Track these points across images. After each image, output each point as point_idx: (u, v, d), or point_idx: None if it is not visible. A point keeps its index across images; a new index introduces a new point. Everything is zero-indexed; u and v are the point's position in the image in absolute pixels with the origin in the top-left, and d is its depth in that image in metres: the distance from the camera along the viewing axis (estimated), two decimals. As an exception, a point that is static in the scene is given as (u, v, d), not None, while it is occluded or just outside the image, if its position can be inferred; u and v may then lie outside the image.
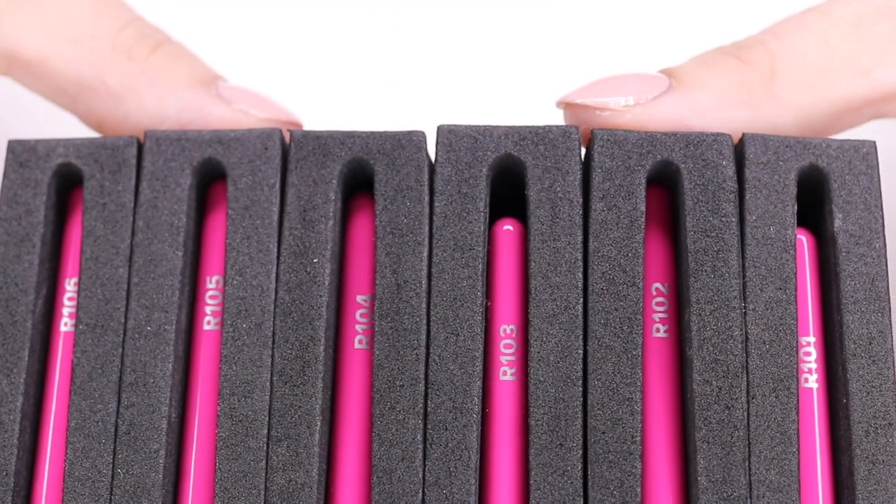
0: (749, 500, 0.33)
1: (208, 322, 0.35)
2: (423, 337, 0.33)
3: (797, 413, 0.33)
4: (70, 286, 0.35)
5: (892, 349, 0.34)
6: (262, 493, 0.33)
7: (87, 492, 0.33)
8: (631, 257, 0.33)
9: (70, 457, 0.33)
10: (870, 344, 0.33)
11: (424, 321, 0.33)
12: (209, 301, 0.35)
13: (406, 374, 0.33)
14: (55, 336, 0.35)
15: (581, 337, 0.33)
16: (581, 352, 0.33)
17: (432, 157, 0.34)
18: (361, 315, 0.35)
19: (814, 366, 0.34)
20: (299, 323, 0.34)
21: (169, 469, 0.33)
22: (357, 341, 0.34)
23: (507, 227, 0.35)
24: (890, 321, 0.34)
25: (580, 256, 0.33)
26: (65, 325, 0.35)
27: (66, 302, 0.35)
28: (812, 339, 0.34)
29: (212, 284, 0.35)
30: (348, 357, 0.34)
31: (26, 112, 0.44)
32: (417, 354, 0.33)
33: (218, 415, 0.33)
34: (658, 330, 0.34)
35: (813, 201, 0.35)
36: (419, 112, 0.46)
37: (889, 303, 0.34)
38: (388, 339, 0.33)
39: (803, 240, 0.34)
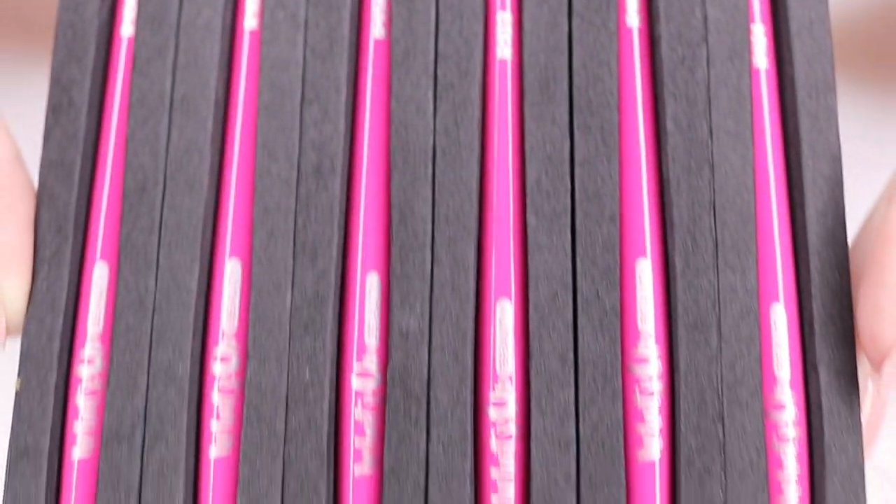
0: (710, 143, 0.38)
1: (251, 18, 0.41)
2: (433, 18, 0.39)
3: (750, 77, 0.39)
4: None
5: (829, 33, 0.40)
6: (298, 144, 0.39)
7: (148, 151, 0.39)
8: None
9: (132, 124, 0.39)
10: (811, 25, 0.40)
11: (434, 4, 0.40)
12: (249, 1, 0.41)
13: (418, 48, 0.39)
14: (116, 36, 0.41)
15: (566, 14, 0.39)
16: (566, 27, 0.39)
17: None
18: (382, 10, 0.41)
19: (763, 49, 0.40)
20: (328, 10, 0.40)
21: (217, 132, 0.39)
22: (376, 31, 0.40)
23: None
24: (828, 9, 0.40)
25: None
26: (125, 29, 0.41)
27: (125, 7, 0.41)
28: (762, 26, 0.40)
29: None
30: (367, 44, 0.40)
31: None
32: (428, 30, 0.39)
33: (259, 86, 0.39)
34: (631, 17, 0.40)
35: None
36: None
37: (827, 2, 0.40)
38: (404, 20, 0.39)
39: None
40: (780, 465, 0.37)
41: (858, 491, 0.36)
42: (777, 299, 0.38)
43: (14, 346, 0.39)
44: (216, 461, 0.38)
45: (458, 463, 0.37)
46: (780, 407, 0.37)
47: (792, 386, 0.37)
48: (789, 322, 0.38)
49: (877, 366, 0.36)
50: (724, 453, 0.37)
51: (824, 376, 0.37)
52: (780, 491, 0.37)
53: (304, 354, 0.38)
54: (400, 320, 0.38)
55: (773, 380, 0.38)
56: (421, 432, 0.37)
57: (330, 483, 0.37)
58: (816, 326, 0.38)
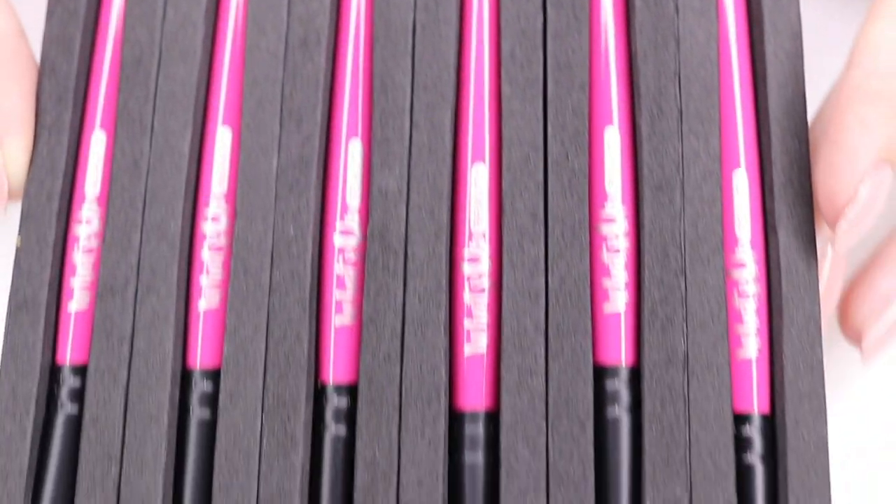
0: (676, 19, 0.40)
1: None
2: None
3: None
4: None
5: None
6: (286, 19, 0.41)
7: (144, 25, 0.41)
8: None
9: (130, 1, 0.41)
10: None
11: None
12: None
13: None
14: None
15: None
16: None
17: None
18: None
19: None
20: None
21: (211, 8, 0.41)
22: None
23: None
24: None
25: None
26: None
27: None
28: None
29: None
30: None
31: None
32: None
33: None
34: None
35: None
36: None
37: None
38: None
39: None
40: (740, 319, 0.39)
41: (815, 343, 0.38)
42: (738, 165, 0.40)
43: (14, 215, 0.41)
44: (205, 313, 0.40)
45: (433, 313, 0.39)
46: (741, 265, 0.39)
47: (752, 245, 0.39)
48: (751, 186, 0.40)
49: (832, 224, 0.38)
50: (685, 305, 0.39)
51: (783, 236, 0.39)
52: (739, 344, 0.39)
53: (289, 212, 0.40)
54: (380, 181, 0.40)
55: (735, 240, 0.39)
56: (398, 284, 0.39)
57: (312, 331, 0.39)
58: (776, 190, 0.39)
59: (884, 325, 0.41)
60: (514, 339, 0.38)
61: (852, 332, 0.41)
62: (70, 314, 0.40)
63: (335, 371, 0.39)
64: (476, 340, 0.39)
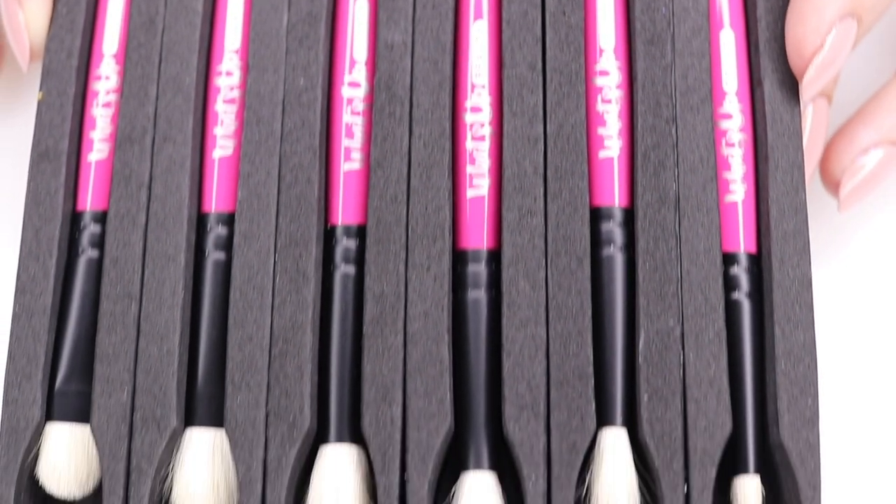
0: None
1: None
2: None
3: None
4: None
5: None
6: None
7: None
8: None
9: None
10: None
11: None
12: None
13: None
14: None
15: None
16: None
17: None
18: None
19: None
20: None
21: None
22: None
23: None
24: None
25: None
26: None
27: None
28: None
29: None
30: None
31: None
32: None
33: None
34: None
35: None
36: None
37: None
38: None
39: None
40: (727, 166, 0.41)
41: (798, 187, 0.40)
42: (723, 26, 0.42)
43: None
44: (219, 160, 0.42)
45: (437, 156, 0.41)
46: (728, 117, 0.42)
47: (739, 98, 0.42)
48: (737, 43, 0.42)
49: (799, 72, 0.40)
50: (676, 150, 0.41)
51: (768, 87, 0.41)
52: (727, 189, 0.41)
53: (300, 65, 0.42)
54: (386, 35, 0.42)
55: (722, 94, 0.42)
56: (404, 130, 0.41)
57: (322, 175, 0.41)
58: (761, 46, 0.42)
59: (861, 176, 0.43)
60: (515, 181, 0.40)
61: (831, 181, 0.43)
62: (90, 163, 0.42)
63: (344, 213, 0.41)
64: (478, 185, 0.41)
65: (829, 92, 0.43)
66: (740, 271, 0.40)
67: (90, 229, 0.41)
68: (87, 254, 0.41)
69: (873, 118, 0.43)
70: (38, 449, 0.40)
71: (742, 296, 0.40)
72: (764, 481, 0.39)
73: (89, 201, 0.41)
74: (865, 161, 0.43)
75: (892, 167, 0.43)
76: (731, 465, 0.39)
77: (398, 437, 0.39)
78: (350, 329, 0.40)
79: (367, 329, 0.39)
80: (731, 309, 0.40)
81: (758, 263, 0.41)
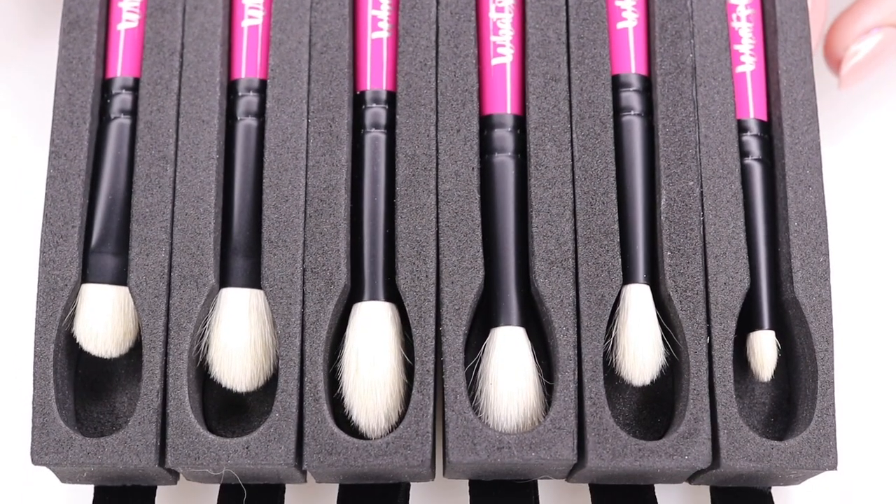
0: None
1: None
2: None
3: None
4: None
5: None
6: None
7: None
8: None
9: None
10: None
11: None
12: None
13: None
14: None
15: None
16: None
17: None
18: None
19: None
20: None
21: None
22: None
23: None
24: None
25: None
26: None
27: None
28: None
29: None
30: None
31: None
32: None
33: None
34: None
35: None
36: None
37: None
38: None
39: None
40: (738, 39, 0.43)
41: (807, 58, 0.42)
42: None
43: None
44: (249, 28, 0.42)
45: (463, 25, 0.42)
46: (738, -8, 0.43)
47: (748, -25, 0.44)
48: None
49: None
50: (692, 21, 0.43)
51: (774, -36, 0.43)
52: (738, 61, 0.43)
53: (327, -64, 0.43)
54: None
55: (731, -29, 0.44)
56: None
57: (351, 42, 0.42)
58: (767, -75, 0.44)
59: (862, 54, 0.45)
60: (539, 48, 0.42)
61: (833, 59, 0.45)
62: (120, 31, 0.42)
63: (373, 79, 0.42)
64: (502, 53, 0.42)
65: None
66: (751, 138, 0.42)
67: (122, 95, 0.42)
68: (119, 119, 0.41)
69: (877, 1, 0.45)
70: (75, 309, 0.40)
71: (753, 161, 0.42)
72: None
73: (119, 69, 0.42)
74: (866, 41, 0.45)
75: (893, 50, 0.45)
76: (746, 324, 0.41)
77: (433, 290, 0.40)
78: (382, 190, 0.41)
79: (399, 189, 0.41)
80: (744, 173, 0.42)
81: (767, 130, 0.42)
